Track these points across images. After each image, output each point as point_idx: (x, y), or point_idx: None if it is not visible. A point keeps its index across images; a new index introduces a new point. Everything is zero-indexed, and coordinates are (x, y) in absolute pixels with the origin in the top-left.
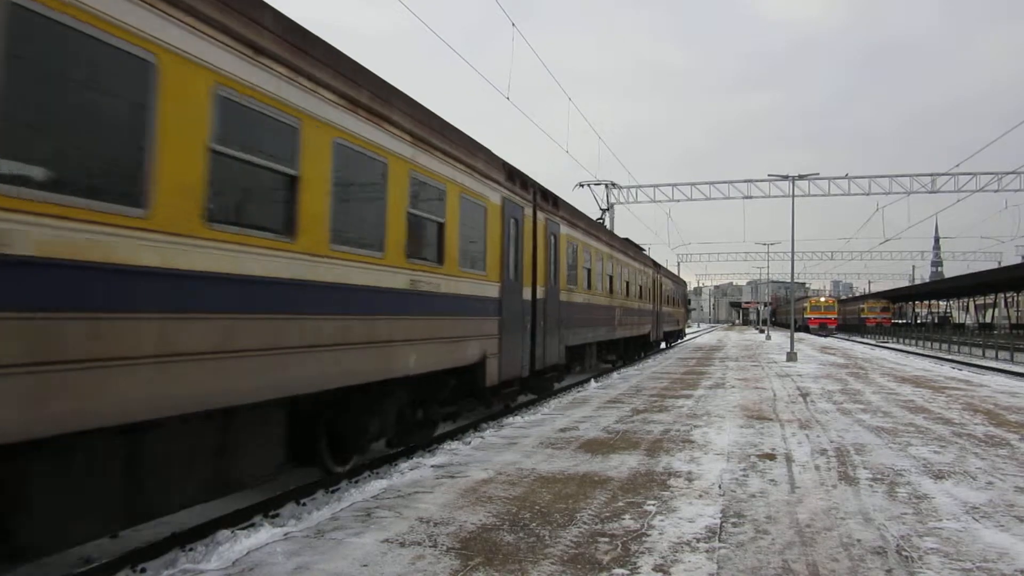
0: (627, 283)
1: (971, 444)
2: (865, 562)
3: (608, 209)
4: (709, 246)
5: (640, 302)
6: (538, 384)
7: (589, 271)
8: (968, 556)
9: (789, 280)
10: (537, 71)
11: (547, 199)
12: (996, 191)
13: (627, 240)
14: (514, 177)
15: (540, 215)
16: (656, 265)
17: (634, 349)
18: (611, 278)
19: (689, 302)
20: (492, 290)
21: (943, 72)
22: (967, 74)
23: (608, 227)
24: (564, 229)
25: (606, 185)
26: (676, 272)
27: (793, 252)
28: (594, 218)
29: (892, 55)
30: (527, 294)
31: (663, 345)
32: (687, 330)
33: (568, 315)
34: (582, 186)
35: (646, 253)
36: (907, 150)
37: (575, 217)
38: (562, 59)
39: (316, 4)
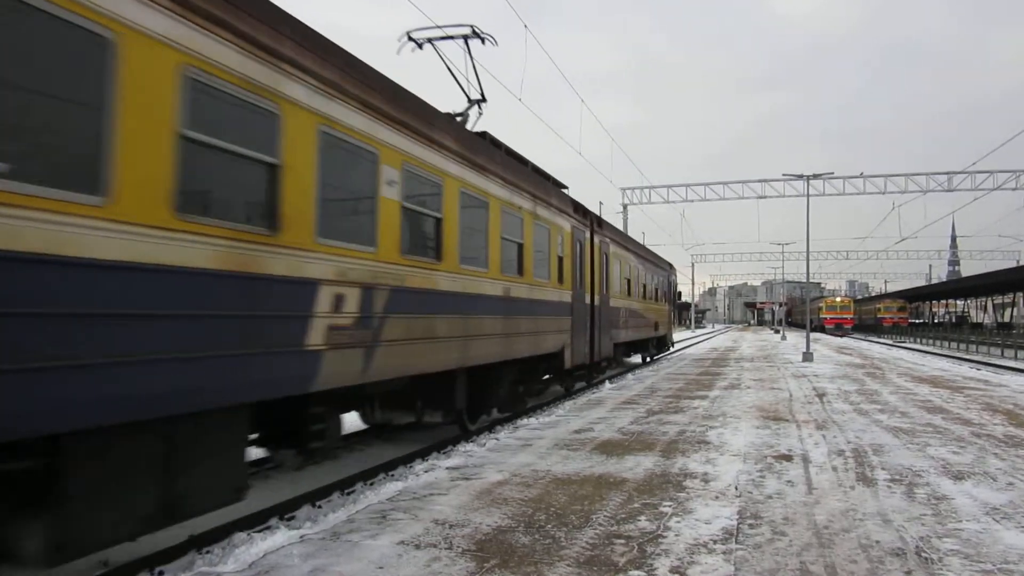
0: (461, 229)
1: (991, 445)
2: (884, 564)
3: (482, 100)
4: (723, 246)
5: (526, 284)
6: None
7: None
8: (989, 558)
9: (804, 280)
10: (549, 71)
11: None
12: (1014, 189)
13: (484, 136)
14: None
15: None
16: (588, 215)
17: (495, 388)
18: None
19: (680, 295)
20: None
21: (959, 71)
22: (984, 72)
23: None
24: None
25: (465, 39)
26: (687, 268)
27: (808, 252)
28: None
29: (908, 54)
30: None
31: (640, 358)
32: (694, 336)
33: None
34: (418, 44)
35: (568, 194)
36: (923, 148)
37: None
38: (573, 59)
39: (322, 5)
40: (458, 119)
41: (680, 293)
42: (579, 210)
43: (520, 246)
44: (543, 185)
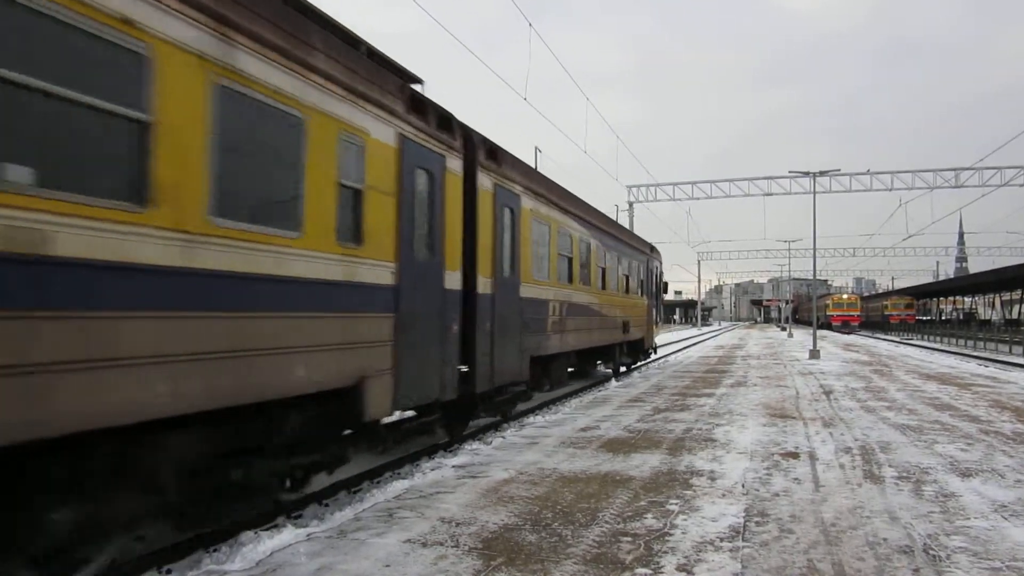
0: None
1: (999, 442)
2: (892, 561)
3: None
4: (729, 244)
5: (177, 237)
6: None
7: None
8: (997, 555)
9: (811, 277)
10: (554, 69)
11: None
12: (1022, 185)
13: None
14: None
15: None
16: (462, 134)
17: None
18: None
19: (667, 286)
20: None
21: (964, 66)
22: (989, 68)
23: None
24: None
25: None
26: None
27: (815, 249)
28: None
29: (913, 50)
30: None
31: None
32: (700, 334)
33: None
34: None
35: (415, 90)
36: (930, 145)
37: None
38: (578, 57)
39: (329, 5)
40: None
41: (667, 284)
42: (426, 113)
43: (142, 127)
44: (298, 25)
